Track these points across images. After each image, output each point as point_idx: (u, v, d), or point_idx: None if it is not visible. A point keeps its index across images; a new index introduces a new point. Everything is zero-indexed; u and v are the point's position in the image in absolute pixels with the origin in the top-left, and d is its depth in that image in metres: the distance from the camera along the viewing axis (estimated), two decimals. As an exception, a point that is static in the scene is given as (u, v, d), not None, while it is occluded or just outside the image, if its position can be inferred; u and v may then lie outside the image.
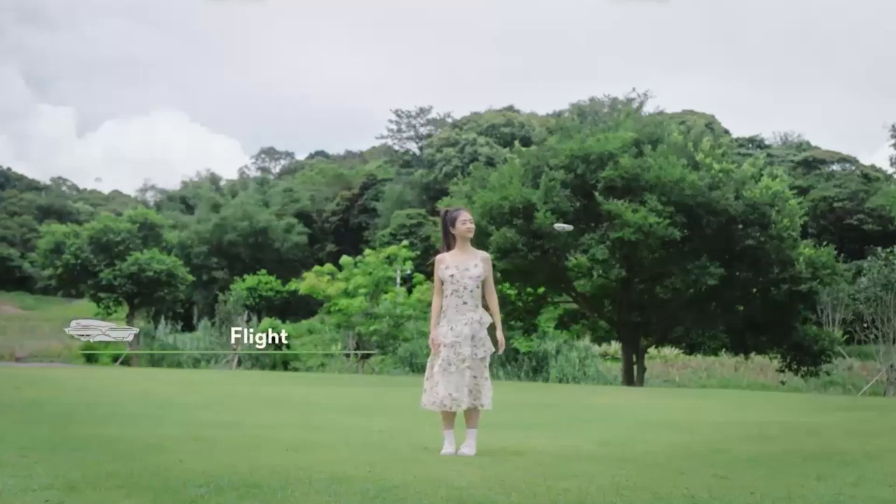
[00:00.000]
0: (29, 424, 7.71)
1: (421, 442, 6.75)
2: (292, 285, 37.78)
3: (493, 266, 21.28)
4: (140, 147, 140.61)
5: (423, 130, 61.99)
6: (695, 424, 9.49)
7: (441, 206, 27.13)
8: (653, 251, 22.92)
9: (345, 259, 32.62)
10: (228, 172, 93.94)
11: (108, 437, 6.69)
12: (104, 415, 9.04)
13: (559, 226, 21.82)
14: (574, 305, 28.39)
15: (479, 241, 24.60)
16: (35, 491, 3.99)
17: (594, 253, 22.62)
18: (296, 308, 49.12)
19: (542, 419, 10.02)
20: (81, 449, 5.76)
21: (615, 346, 38.11)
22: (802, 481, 4.96)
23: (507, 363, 29.81)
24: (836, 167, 54.80)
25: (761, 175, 25.00)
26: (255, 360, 34.27)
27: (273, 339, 34.90)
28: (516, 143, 28.70)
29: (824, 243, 26.17)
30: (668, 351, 36.54)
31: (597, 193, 22.95)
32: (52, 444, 6.03)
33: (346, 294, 30.76)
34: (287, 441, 6.44)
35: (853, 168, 54.48)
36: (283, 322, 39.12)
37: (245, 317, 34.77)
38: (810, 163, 54.28)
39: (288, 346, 36.40)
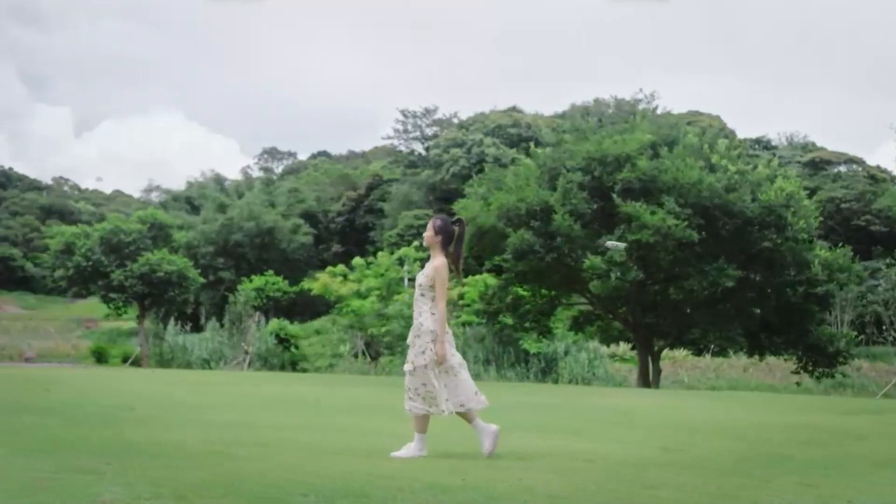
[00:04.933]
0: (80, 428, 7.67)
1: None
2: (305, 285, 37.72)
3: (509, 268, 21.01)
4: (138, 147, 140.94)
5: (429, 131, 61.91)
6: (739, 428, 9.49)
7: (456, 207, 27.17)
8: (669, 253, 22.92)
9: (357, 260, 32.62)
10: (228, 172, 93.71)
11: (171, 441, 6.65)
12: (149, 418, 8.99)
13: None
14: (588, 307, 28.39)
15: (496, 242, 24.72)
16: (147, 500, 3.97)
17: (611, 255, 22.61)
18: (301, 309, 49.08)
19: (583, 423, 9.96)
20: (156, 455, 5.74)
21: (623, 347, 38.16)
22: (890, 489, 4.98)
23: (517, 364, 29.82)
24: (842, 168, 54.84)
25: (775, 176, 25.03)
26: (264, 362, 34.22)
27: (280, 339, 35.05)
28: (531, 144, 28.68)
29: (840, 244, 26.16)
30: (677, 352, 36.58)
31: (615, 195, 22.94)
32: (121, 449, 5.99)
33: (359, 295, 30.75)
34: (358, 447, 6.38)
35: (859, 169, 54.51)
36: (291, 323, 39.11)
37: (256, 317, 34.71)
38: (817, 164, 54.30)
39: (296, 347, 36.44)
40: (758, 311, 24.13)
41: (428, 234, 6.09)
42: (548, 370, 29.90)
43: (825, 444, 7.88)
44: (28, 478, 4.43)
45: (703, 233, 22.86)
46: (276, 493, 4.29)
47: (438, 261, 5.96)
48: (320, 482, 4.53)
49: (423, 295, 5.96)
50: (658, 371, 25.99)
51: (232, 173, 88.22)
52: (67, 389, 14.03)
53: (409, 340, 6.05)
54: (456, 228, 6.07)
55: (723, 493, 4.71)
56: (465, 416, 6.02)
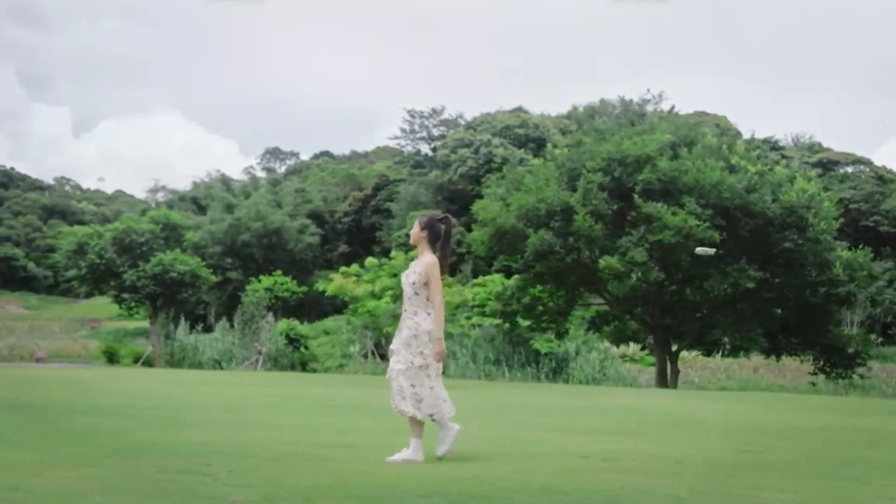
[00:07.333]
0: (150, 430, 7.64)
1: (572, 448, 6.74)
2: (319, 286, 37.70)
3: (522, 269, 20.90)
4: (138, 147, 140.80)
5: (436, 131, 61.83)
6: (796, 430, 9.48)
7: (475, 207, 27.16)
8: (690, 253, 22.92)
9: (370, 260, 32.66)
10: (228, 172, 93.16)
11: (249, 443, 6.58)
12: (205, 420, 8.85)
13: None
14: (605, 307, 28.38)
15: (515, 243, 24.72)
16: (277, 501, 3.98)
17: (633, 255, 22.59)
18: (308, 309, 49.01)
19: (634, 425, 9.90)
20: (245, 457, 5.71)
21: (633, 348, 38.22)
22: None
23: (528, 364, 29.80)
24: (849, 169, 54.88)
25: (794, 177, 25.08)
26: (274, 362, 34.17)
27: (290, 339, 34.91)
28: (549, 146, 28.71)
29: (858, 245, 26.22)
30: (686, 352, 36.60)
31: (636, 196, 22.94)
32: (209, 451, 5.92)
33: (373, 295, 30.76)
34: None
35: (866, 169, 54.54)
36: (301, 323, 39.08)
37: (269, 318, 34.68)
38: (824, 164, 54.32)
39: (306, 347, 36.42)
40: (778, 311, 24.13)
41: (414, 230, 6.05)
42: (558, 370, 29.88)
43: (887, 445, 7.92)
44: (153, 479, 4.45)
45: (724, 233, 22.87)
46: (393, 494, 4.30)
47: (429, 258, 5.89)
48: (434, 484, 4.55)
49: (416, 294, 5.85)
50: (676, 372, 26.00)
51: (232, 173, 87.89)
52: (103, 390, 14.00)
53: (402, 341, 5.86)
54: (442, 226, 6.02)
55: (833, 495, 4.74)
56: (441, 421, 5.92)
